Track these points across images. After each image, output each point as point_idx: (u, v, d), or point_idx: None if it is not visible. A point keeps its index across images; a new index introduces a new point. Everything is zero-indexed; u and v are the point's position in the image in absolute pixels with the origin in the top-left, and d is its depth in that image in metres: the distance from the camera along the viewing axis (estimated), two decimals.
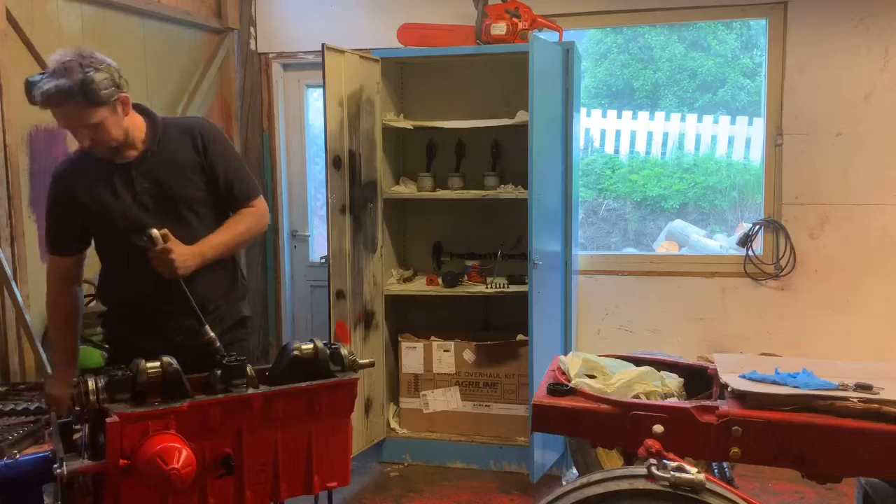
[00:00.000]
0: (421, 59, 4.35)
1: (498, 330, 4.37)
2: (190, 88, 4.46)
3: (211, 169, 2.44)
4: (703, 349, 4.17)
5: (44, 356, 3.22)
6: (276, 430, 1.79)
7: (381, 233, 4.23)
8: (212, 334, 2.19)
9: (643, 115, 7.32)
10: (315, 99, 5.02)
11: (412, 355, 4.29)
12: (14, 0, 3.30)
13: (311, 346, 1.90)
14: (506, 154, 4.29)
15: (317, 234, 5.08)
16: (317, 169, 5.09)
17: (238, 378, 1.78)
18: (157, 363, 1.73)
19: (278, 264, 4.97)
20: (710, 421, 2.11)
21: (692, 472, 1.77)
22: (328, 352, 1.90)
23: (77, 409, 1.71)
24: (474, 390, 4.25)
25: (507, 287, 4.12)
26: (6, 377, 3.19)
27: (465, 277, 4.31)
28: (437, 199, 4.30)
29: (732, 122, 7.17)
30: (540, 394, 2.33)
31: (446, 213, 4.49)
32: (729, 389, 2.22)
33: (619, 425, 2.18)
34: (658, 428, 2.10)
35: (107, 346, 2.66)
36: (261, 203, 2.54)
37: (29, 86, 2.22)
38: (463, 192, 4.23)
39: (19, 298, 3.14)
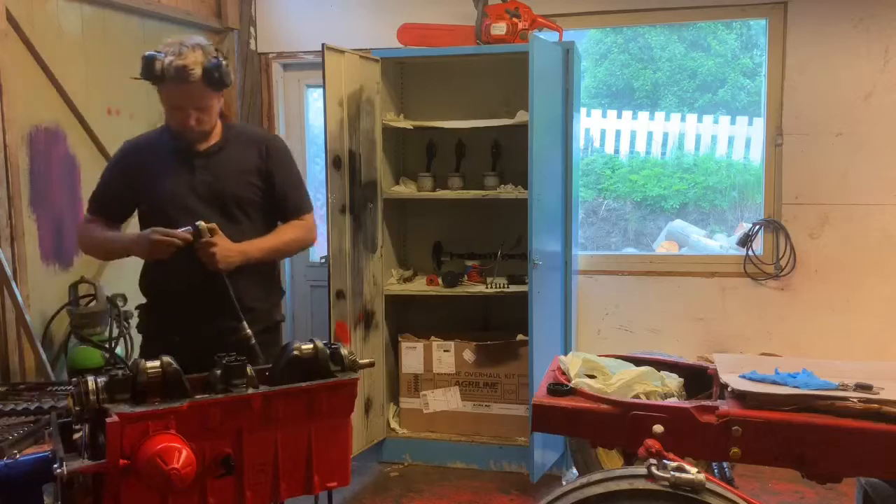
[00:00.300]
0: (421, 59, 4.35)
1: (498, 330, 4.37)
2: None
3: (269, 176, 2.54)
4: (703, 349, 4.17)
5: (44, 356, 3.22)
6: (276, 430, 1.79)
7: (381, 233, 4.23)
8: (248, 331, 2.28)
9: (643, 115, 7.32)
10: (315, 99, 5.02)
11: (412, 355, 4.29)
12: (14, 0, 3.30)
13: (311, 346, 1.89)
14: (506, 154, 4.29)
15: (317, 233, 5.07)
16: (317, 169, 5.09)
17: (238, 378, 1.78)
18: (157, 363, 1.73)
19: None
20: (710, 421, 2.11)
21: (692, 472, 1.77)
22: (328, 352, 1.90)
23: (77, 408, 1.71)
24: (474, 390, 4.25)
25: (507, 287, 4.12)
26: (6, 377, 3.19)
27: (465, 277, 4.31)
28: (437, 199, 4.30)
29: (732, 122, 7.18)
30: (540, 394, 2.33)
31: (446, 213, 4.49)
32: (729, 389, 2.22)
33: (619, 425, 2.18)
34: (658, 428, 2.10)
35: (141, 338, 2.69)
36: (311, 219, 2.67)
37: (151, 60, 2.31)
38: (463, 192, 4.23)
39: (19, 298, 3.14)
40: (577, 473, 3.51)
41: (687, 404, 2.19)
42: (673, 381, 2.47)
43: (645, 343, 4.36)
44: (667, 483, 1.77)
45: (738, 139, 7.14)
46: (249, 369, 1.81)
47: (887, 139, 4.08)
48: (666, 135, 7.37)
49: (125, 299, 3.60)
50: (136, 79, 2.41)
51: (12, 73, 3.25)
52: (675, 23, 5.61)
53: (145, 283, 2.59)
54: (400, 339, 4.34)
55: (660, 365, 2.62)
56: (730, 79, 7.48)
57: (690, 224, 6.78)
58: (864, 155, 4.12)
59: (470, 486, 3.97)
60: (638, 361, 2.63)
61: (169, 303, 2.50)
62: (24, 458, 1.85)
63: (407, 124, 4.29)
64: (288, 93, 4.99)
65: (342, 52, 3.86)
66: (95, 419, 1.66)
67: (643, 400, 2.29)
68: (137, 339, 3.59)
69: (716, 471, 3.19)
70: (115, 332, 3.55)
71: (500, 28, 4.00)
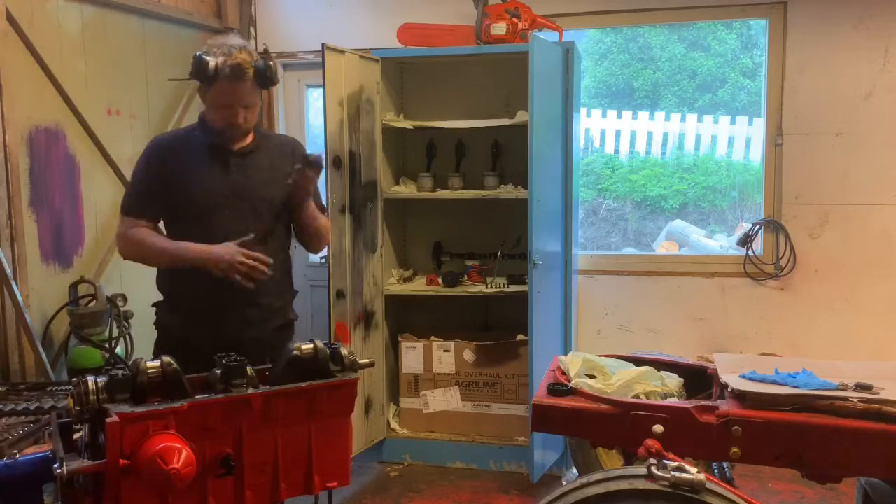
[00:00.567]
0: (421, 59, 4.35)
1: (498, 330, 4.37)
2: (190, 88, 4.45)
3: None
4: (703, 349, 4.17)
5: (44, 356, 3.22)
6: (276, 430, 1.79)
7: (381, 233, 4.23)
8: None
9: (643, 115, 7.32)
10: (315, 99, 5.02)
11: (412, 355, 4.29)
12: (14, 0, 3.30)
13: (311, 345, 1.90)
14: (506, 154, 4.29)
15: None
16: None
17: (238, 378, 1.78)
18: (157, 363, 1.73)
19: None
20: (710, 421, 2.11)
21: (692, 472, 1.77)
22: (328, 352, 1.90)
23: (77, 408, 1.71)
24: (474, 390, 4.25)
25: (507, 287, 4.12)
26: (6, 377, 3.19)
27: (465, 277, 4.31)
28: (437, 199, 4.30)
29: (732, 122, 7.17)
30: (540, 394, 2.33)
31: (446, 213, 4.49)
32: (729, 389, 2.22)
33: (619, 425, 2.18)
34: (658, 428, 2.10)
35: (157, 333, 2.69)
36: (327, 221, 2.82)
37: (204, 60, 2.37)
38: (463, 192, 4.23)
39: (19, 298, 3.14)
40: (577, 473, 3.51)
41: (687, 404, 2.18)
42: (673, 381, 2.47)
43: (645, 343, 4.36)
44: (667, 483, 1.77)
45: (738, 139, 7.14)
46: (249, 369, 1.82)
47: (887, 139, 4.08)
48: (666, 135, 7.37)
49: (125, 299, 3.60)
50: (173, 80, 2.43)
51: (12, 73, 3.25)
52: (675, 23, 5.61)
53: (167, 278, 2.60)
54: (400, 339, 4.34)
55: (660, 365, 2.62)
56: (730, 79, 7.48)
57: (690, 224, 6.78)
58: (864, 155, 4.12)
59: (470, 485, 3.97)
60: (638, 361, 2.63)
61: (189, 297, 2.52)
62: (24, 458, 1.85)
63: (407, 124, 4.28)
64: (288, 93, 4.98)
65: (342, 51, 3.86)
66: (95, 419, 1.66)
67: (643, 400, 2.29)
68: (138, 339, 3.62)
69: (716, 471, 3.19)
70: (115, 332, 3.55)
71: (500, 28, 4.00)
